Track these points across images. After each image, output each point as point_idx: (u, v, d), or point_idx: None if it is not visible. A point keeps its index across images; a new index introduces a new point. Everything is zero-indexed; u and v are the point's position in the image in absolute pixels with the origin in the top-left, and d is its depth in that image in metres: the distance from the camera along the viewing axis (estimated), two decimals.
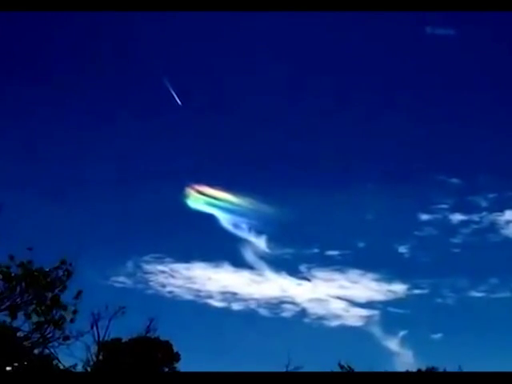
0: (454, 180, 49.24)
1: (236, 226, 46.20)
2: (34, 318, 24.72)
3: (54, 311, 24.72)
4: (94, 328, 28.94)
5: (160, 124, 50.15)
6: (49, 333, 24.79)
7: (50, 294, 24.72)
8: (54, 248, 33.85)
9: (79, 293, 24.83)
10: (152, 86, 49.83)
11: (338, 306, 46.37)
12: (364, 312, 46.27)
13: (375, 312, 46.31)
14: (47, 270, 24.59)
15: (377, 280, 47.03)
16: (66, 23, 44.99)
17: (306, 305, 46.78)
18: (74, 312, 25.10)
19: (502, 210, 48.06)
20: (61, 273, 24.70)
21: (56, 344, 25.16)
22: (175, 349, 32.69)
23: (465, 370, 29.90)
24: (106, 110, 49.81)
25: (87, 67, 48.66)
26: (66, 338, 25.11)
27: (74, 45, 48.60)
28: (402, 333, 44.71)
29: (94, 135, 49.33)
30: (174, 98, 45.82)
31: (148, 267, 46.65)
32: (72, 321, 25.12)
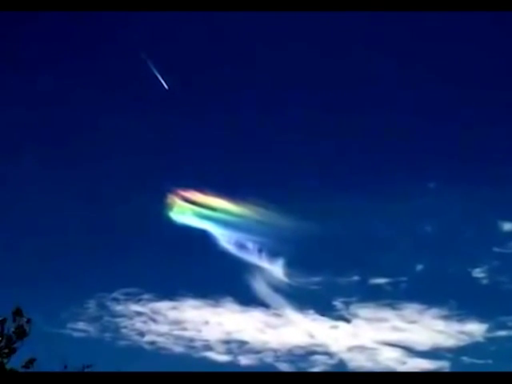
0: None
1: (240, 246, 42.46)
2: None
3: None
4: None
5: (137, 111, 46.40)
6: None
7: None
8: None
9: (31, 361, 20.94)
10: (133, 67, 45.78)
11: (390, 357, 41.62)
12: (427, 364, 41.18)
13: (443, 363, 41.22)
14: None
15: (444, 318, 42.54)
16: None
17: (345, 355, 41.79)
18: None
19: None
20: (11, 329, 21.11)
21: None
22: None
23: None
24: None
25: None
26: None
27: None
28: None
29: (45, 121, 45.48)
30: (160, 82, 42.19)
31: (118, 308, 42.46)
32: None
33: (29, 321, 21.52)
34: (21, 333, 21.28)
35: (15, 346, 21.35)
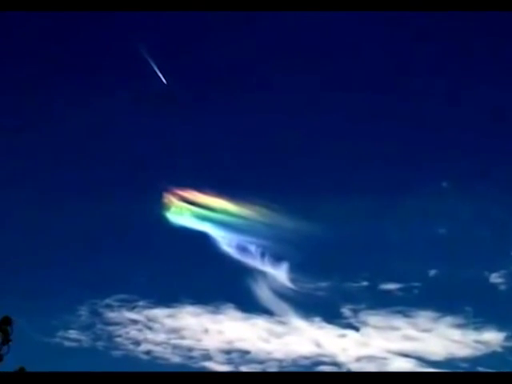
0: None
1: (242, 249, 42.00)
2: None
3: None
4: None
5: (136, 109, 46.04)
6: None
7: None
8: None
9: (21, 370, 21.42)
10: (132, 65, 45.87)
11: (402, 367, 41.12)
12: None
13: None
14: None
15: (459, 326, 42.30)
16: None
17: (354, 365, 41.61)
18: None
19: None
20: None
21: None
22: None
23: None
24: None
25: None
26: None
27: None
28: None
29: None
30: (158, 76, 42.29)
31: (112, 315, 42.11)
32: None
33: (11, 322, 21.87)
34: (5, 335, 21.62)
35: (2, 352, 21.43)
